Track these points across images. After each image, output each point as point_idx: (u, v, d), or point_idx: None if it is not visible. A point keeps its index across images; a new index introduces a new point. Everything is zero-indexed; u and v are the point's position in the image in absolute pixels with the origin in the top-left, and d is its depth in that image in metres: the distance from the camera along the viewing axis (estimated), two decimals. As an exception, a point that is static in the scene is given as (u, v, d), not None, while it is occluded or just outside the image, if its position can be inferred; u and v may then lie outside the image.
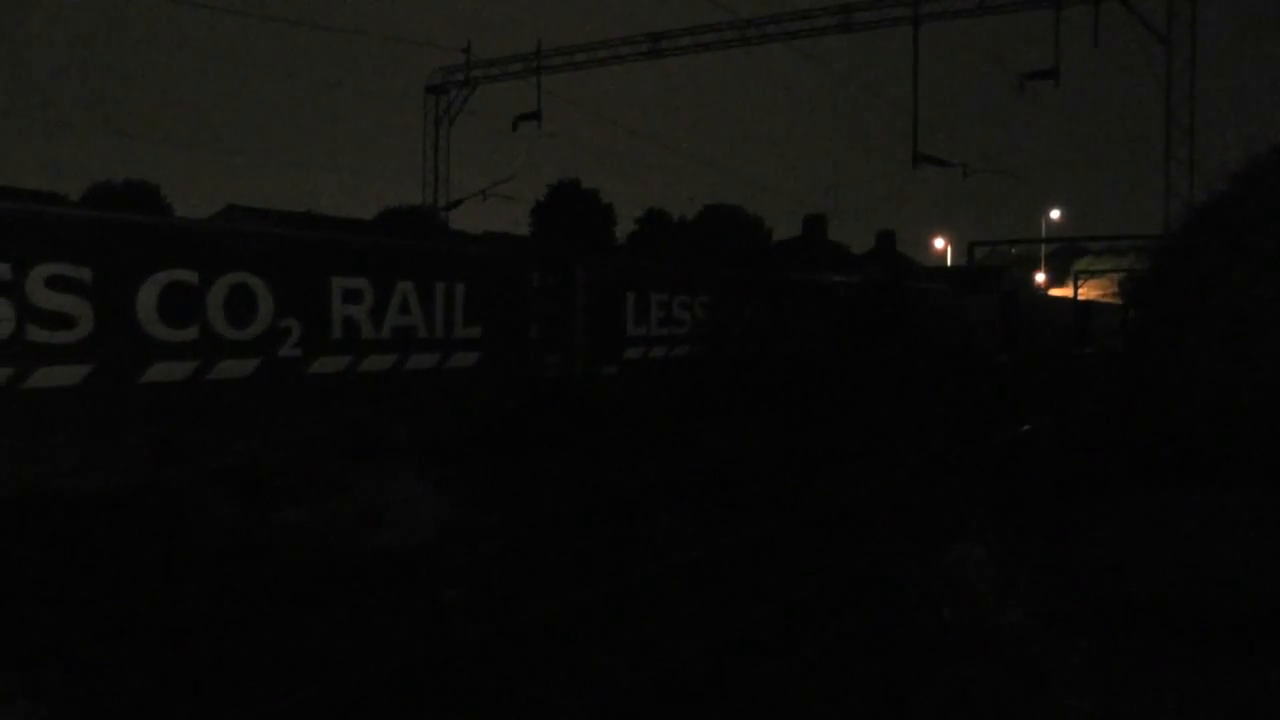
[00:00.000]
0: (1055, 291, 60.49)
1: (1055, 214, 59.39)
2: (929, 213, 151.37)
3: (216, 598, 6.93)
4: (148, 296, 9.01)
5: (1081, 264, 64.17)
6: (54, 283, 8.51)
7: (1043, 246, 60.57)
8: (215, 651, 6.03)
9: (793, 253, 45.27)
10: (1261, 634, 6.04)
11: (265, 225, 11.65)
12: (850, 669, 5.82)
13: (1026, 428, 16.84)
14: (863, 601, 7.03)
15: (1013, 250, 59.77)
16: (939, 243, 61.61)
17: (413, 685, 5.51)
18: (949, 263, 57.19)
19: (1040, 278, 60.86)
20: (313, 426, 10.14)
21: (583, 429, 12.20)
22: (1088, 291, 60.00)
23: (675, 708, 5.34)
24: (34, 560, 7.28)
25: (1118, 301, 53.63)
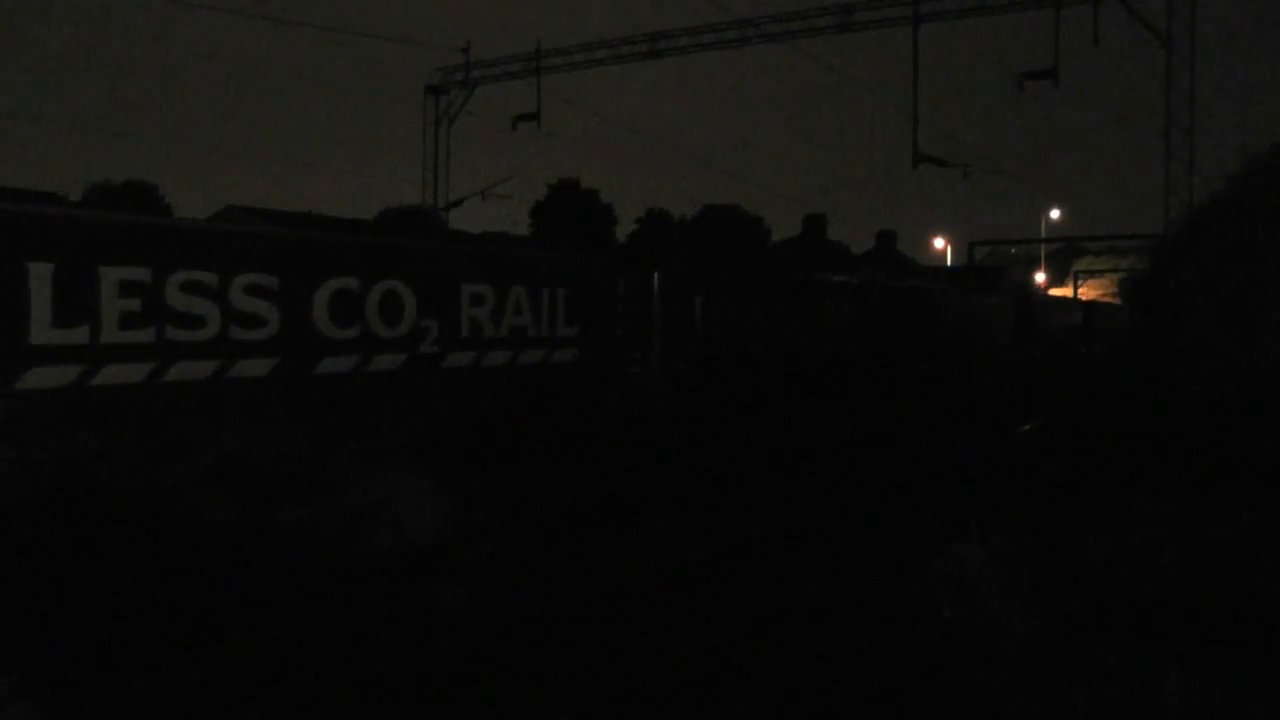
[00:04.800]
0: (1055, 291, 63.29)
1: (1055, 214, 62.00)
2: (929, 213, 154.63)
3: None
4: (321, 300, 11.09)
5: (1081, 264, 67.00)
6: (250, 289, 10.57)
7: (1043, 246, 63.20)
8: (215, 652, 6.50)
9: (793, 252, 47.56)
10: (1262, 635, 6.39)
11: (411, 240, 13.77)
12: (850, 667, 6.27)
13: (1034, 426, 19.02)
14: (865, 600, 7.69)
15: (1012, 250, 62.44)
16: (939, 243, 64.17)
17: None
18: (949, 262, 59.74)
19: (1040, 278, 63.61)
20: (445, 413, 12.24)
21: (663, 418, 14.41)
22: (1088, 291, 62.86)
23: (677, 706, 5.83)
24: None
25: (1118, 301, 56.44)
